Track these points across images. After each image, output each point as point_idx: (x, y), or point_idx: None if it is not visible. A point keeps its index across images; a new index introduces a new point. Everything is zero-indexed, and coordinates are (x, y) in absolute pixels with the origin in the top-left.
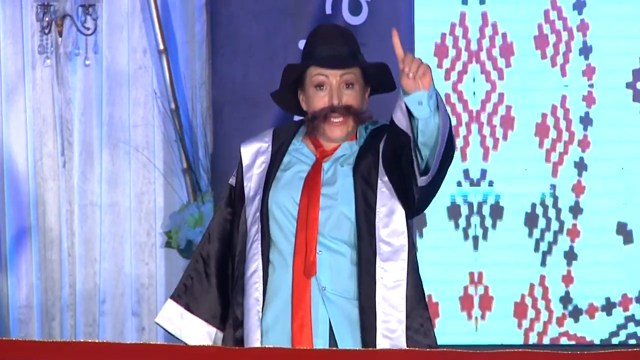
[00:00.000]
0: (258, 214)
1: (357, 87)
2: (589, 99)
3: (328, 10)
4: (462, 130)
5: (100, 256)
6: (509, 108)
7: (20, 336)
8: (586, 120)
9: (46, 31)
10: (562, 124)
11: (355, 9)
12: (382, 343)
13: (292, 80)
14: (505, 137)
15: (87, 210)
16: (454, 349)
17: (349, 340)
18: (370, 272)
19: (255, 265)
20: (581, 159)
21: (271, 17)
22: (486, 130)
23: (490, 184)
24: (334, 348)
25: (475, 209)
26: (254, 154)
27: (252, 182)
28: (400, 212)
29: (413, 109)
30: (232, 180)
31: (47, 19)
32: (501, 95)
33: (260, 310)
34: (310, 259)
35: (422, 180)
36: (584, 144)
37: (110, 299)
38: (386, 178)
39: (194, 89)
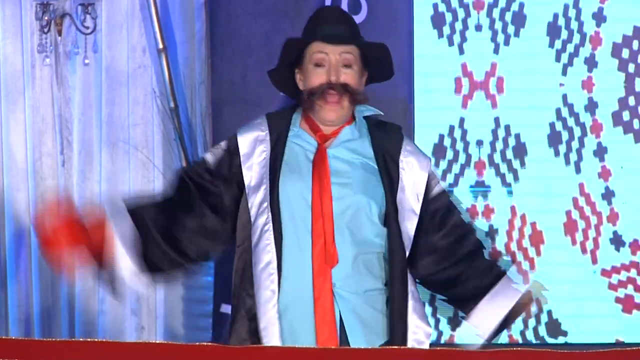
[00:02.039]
0: (267, 204)
1: (355, 68)
2: None
3: None
4: None
5: None
6: None
7: (19, 335)
8: None
9: (45, 30)
10: None
11: (354, 8)
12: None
13: (292, 57)
14: None
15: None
16: (454, 349)
17: (360, 336)
18: (401, 263)
19: (268, 256)
20: None
21: (270, 17)
22: None
23: None
24: (335, 347)
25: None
26: (252, 142)
27: (253, 172)
28: (413, 221)
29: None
30: (209, 157)
31: (46, 18)
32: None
33: (277, 302)
34: (331, 250)
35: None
36: None
37: (109, 298)
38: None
39: (193, 88)
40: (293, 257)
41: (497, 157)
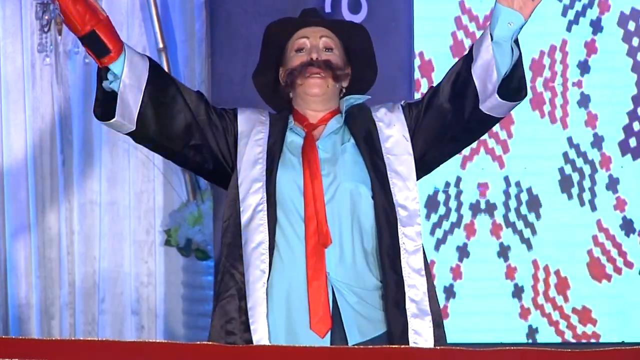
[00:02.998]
0: (261, 185)
1: (337, 53)
2: None
3: (327, 9)
4: None
5: (99, 254)
6: None
7: (19, 335)
8: None
9: (46, 29)
10: None
11: (354, 7)
12: (410, 307)
13: (275, 50)
14: None
15: (87, 208)
16: (456, 347)
17: (353, 326)
18: (394, 239)
19: (261, 236)
20: None
21: (271, 17)
22: None
23: None
24: (341, 347)
25: None
26: (252, 121)
27: (248, 148)
28: (411, 179)
29: (501, 25)
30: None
31: (46, 17)
32: None
33: (266, 282)
34: (324, 230)
35: (491, 101)
36: None
37: (109, 297)
38: (396, 137)
39: (193, 88)
40: (286, 237)
41: (512, 216)
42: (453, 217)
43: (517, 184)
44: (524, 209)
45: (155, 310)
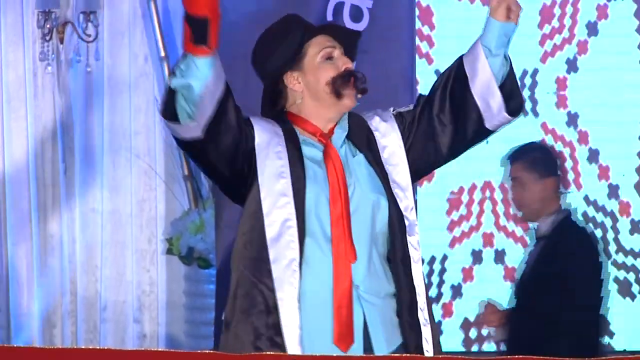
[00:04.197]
0: (290, 200)
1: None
2: None
3: (329, 17)
4: None
5: (101, 263)
6: None
7: (21, 343)
8: None
9: (47, 38)
10: None
11: (356, 16)
12: (420, 316)
13: (291, 53)
14: None
15: (89, 217)
16: (456, 356)
17: (381, 336)
18: (405, 248)
19: (292, 253)
20: None
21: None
22: None
23: None
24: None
25: None
26: (268, 132)
27: (268, 161)
28: (409, 189)
29: (499, 37)
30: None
31: (48, 25)
32: None
33: (298, 298)
34: (351, 246)
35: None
36: None
37: (111, 305)
38: (395, 149)
39: None
40: (314, 253)
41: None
42: (473, 221)
43: None
44: None
45: (157, 319)
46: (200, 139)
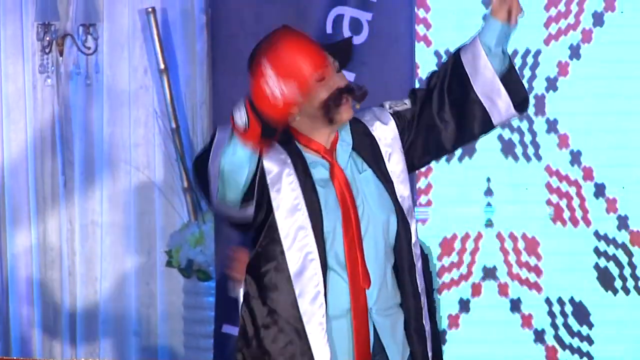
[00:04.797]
0: (309, 233)
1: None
2: None
3: (329, 30)
4: None
5: (101, 275)
6: None
7: (21, 355)
8: None
9: (47, 50)
10: None
11: (355, 29)
12: (424, 323)
13: None
14: None
15: (88, 229)
16: None
17: (395, 350)
18: (410, 258)
19: (318, 287)
20: None
21: None
22: None
23: None
24: None
25: None
26: (278, 163)
27: (282, 195)
28: (409, 191)
29: (497, 36)
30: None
31: (47, 38)
32: None
33: (325, 328)
34: (365, 272)
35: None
36: None
37: (111, 318)
38: (397, 157)
39: (195, 109)
40: (335, 284)
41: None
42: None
43: (559, 301)
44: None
45: (157, 331)
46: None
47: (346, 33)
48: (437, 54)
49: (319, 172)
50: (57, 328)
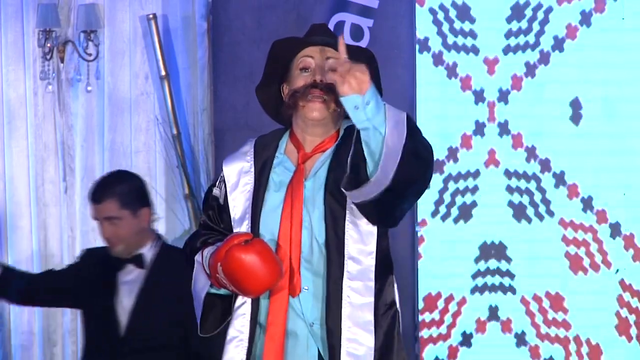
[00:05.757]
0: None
1: None
2: None
3: None
4: None
5: None
6: None
7: None
8: None
9: (48, 57)
10: None
11: (356, 35)
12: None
13: (279, 67)
14: None
15: (89, 236)
16: None
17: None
18: (338, 291)
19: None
20: None
21: None
22: None
23: None
24: None
25: None
26: (237, 173)
27: (236, 203)
28: (369, 232)
29: (350, 113)
30: (217, 192)
31: (48, 45)
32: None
33: (247, 344)
34: (295, 280)
35: (350, 195)
36: None
37: None
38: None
39: (196, 115)
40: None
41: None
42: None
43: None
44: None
45: None
46: None
47: (347, 40)
48: (431, 11)
49: (281, 173)
50: (58, 335)
